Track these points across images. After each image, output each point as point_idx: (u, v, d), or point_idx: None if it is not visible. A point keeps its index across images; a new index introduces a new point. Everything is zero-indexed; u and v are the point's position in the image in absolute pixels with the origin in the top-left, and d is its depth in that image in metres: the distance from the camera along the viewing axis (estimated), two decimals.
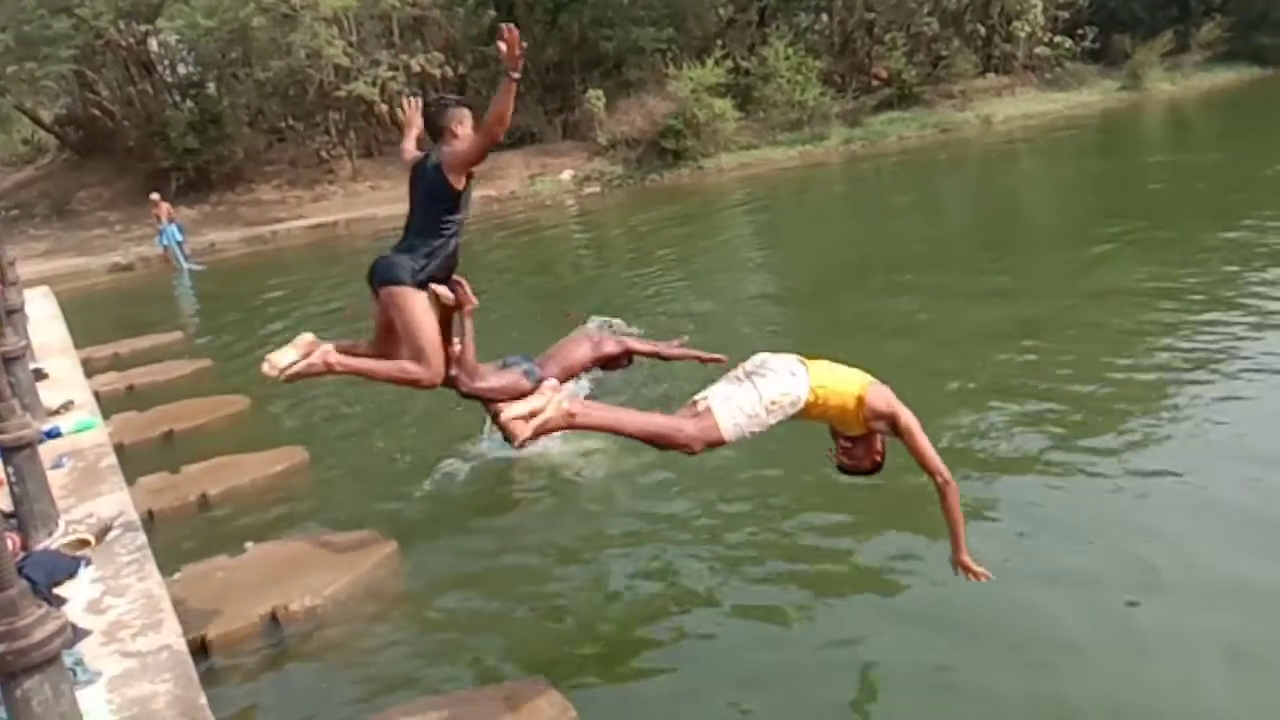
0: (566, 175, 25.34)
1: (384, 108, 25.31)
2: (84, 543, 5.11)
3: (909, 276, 11.49)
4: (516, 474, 6.89)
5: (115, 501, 5.67)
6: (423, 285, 4.51)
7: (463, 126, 4.62)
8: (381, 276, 4.55)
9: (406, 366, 4.52)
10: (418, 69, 25.00)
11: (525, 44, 4.09)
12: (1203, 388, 7.01)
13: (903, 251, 13.40)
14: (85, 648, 4.01)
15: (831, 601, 4.86)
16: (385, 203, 24.61)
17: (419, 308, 4.50)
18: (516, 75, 4.14)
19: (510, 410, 3.56)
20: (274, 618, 5.27)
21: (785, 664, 4.43)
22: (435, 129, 4.68)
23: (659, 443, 3.75)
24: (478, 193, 25.04)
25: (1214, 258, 10.46)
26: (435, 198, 4.52)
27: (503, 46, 4.08)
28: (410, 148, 5.04)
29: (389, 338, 4.65)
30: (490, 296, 14.13)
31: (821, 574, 5.11)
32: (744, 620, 4.81)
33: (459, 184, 4.51)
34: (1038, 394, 7.19)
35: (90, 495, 5.87)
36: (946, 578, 4.74)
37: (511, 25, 4.20)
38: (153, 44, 26.53)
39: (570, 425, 3.60)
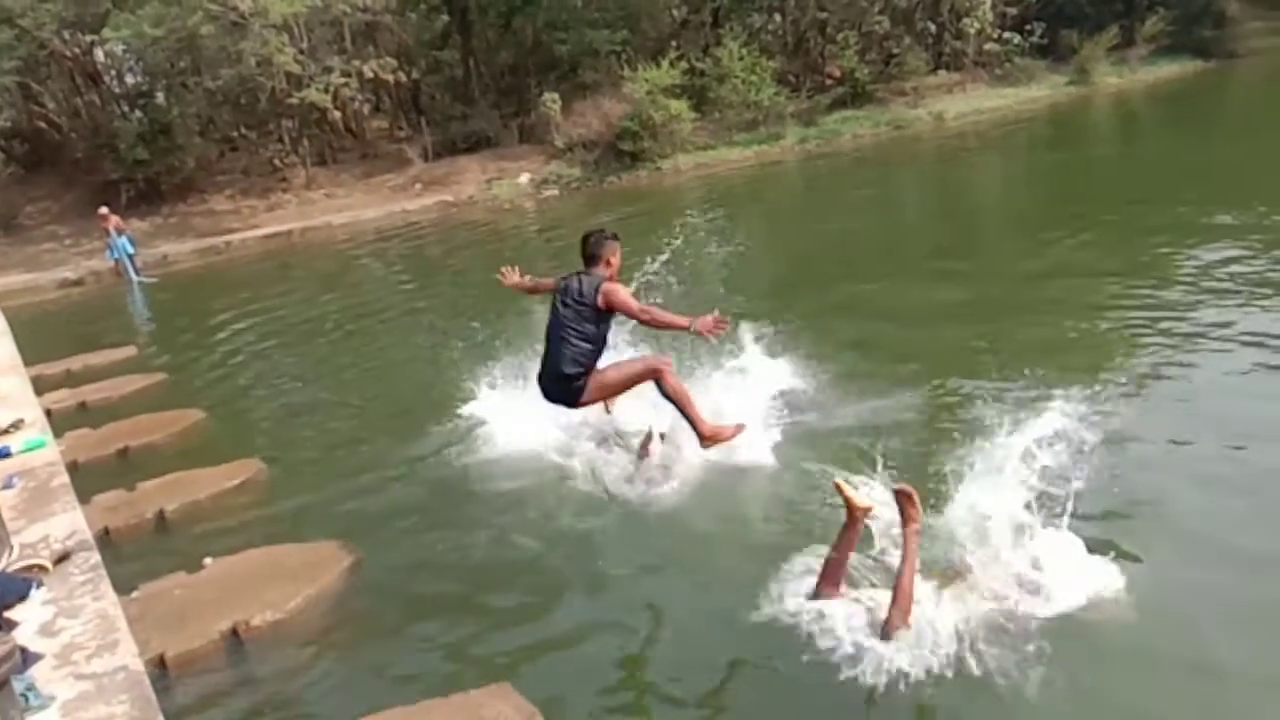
0: (524, 179, 25.25)
1: (337, 114, 25.06)
2: (41, 568, 5.02)
3: (868, 266, 11.65)
4: (478, 481, 6.85)
5: (67, 521, 5.57)
6: (587, 372, 5.44)
7: (615, 257, 5.53)
8: (568, 402, 5.61)
9: (660, 384, 5.55)
10: (370, 75, 24.77)
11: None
12: (1157, 360, 7.33)
13: (861, 243, 13.58)
14: (38, 672, 3.93)
15: (802, 614, 4.76)
16: (340, 210, 24.40)
17: (606, 385, 5.57)
18: (694, 330, 5.08)
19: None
20: (235, 634, 5.21)
21: (754, 669, 4.44)
22: (593, 257, 5.50)
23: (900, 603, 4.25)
24: (435, 198, 24.92)
25: (1158, 239, 10.88)
26: (584, 315, 5.37)
27: (709, 329, 5.03)
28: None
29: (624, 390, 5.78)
30: (452, 302, 14.11)
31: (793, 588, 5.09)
32: (712, 626, 4.81)
33: (606, 309, 5.38)
34: (1000, 369, 7.34)
35: (42, 516, 5.76)
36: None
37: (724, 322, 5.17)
38: (99, 54, 26.01)
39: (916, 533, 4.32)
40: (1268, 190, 12.80)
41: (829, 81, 30.64)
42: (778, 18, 31.71)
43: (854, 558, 4.62)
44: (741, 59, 27.24)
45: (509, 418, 7.36)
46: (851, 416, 6.89)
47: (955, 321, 8.99)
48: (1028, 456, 4.81)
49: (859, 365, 8.03)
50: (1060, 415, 4.92)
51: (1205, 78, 31.74)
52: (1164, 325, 8.09)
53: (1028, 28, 31.80)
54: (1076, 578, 4.54)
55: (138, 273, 19.48)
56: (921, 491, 4.63)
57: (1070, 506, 4.74)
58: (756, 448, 6.29)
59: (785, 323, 8.64)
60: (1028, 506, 4.74)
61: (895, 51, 31.13)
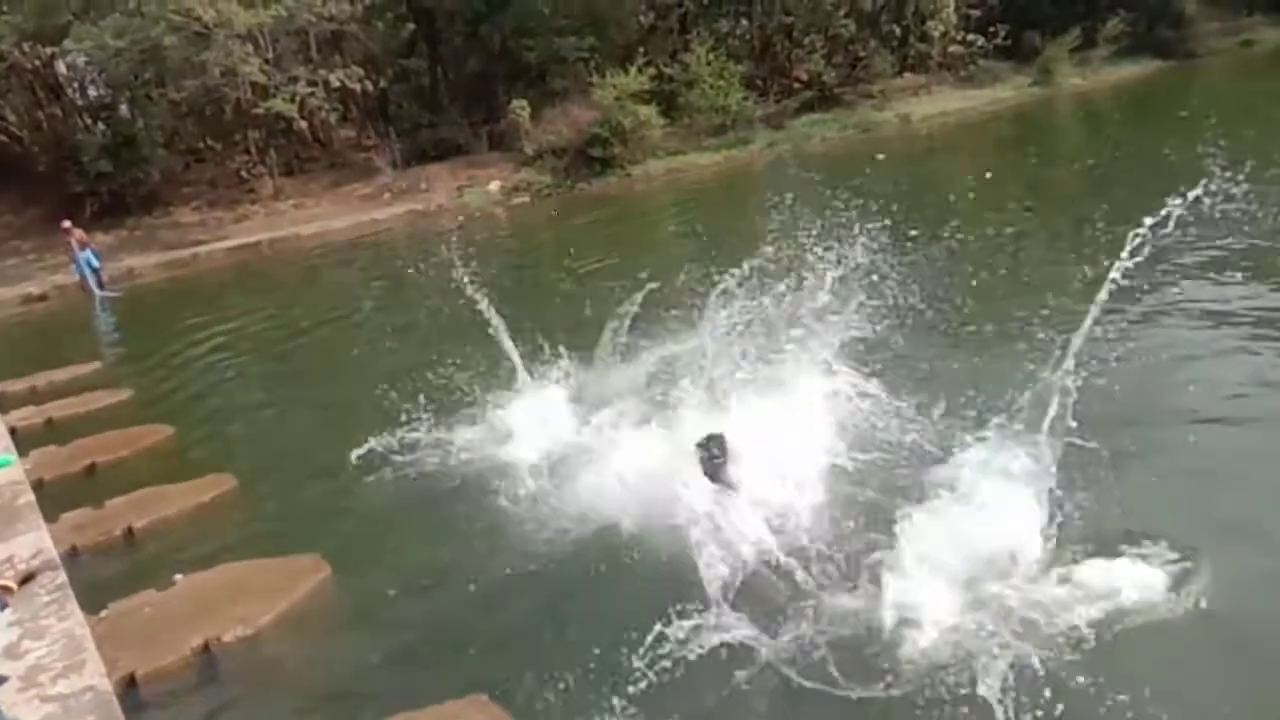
0: (494, 186, 25.18)
1: (304, 124, 24.88)
2: (5, 589, 4.95)
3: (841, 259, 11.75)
4: (450, 491, 6.82)
5: (33, 541, 5.50)
6: None
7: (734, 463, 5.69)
8: None
9: None
10: (337, 84, 24.62)
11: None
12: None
13: (831, 240, 13.69)
14: (3, 695, 3.88)
15: (786, 628, 4.76)
16: (309, 220, 24.21)
17: None
18: None
19: None
20: (207, 650, 5.15)
21: (727, 682, 4.43)
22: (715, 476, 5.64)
23: None
24: (405, 207, 24.69)
25: (1119, 228, 11.06)
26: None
27: None
28: None
29: None
30: (421, 312, 14.03)
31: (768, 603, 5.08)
32: (697, 637, 4.78)
33: None
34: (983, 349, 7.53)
35: (7, 535, 5.69)
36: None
37: None
38: (60, 66, 25.71)
39: None
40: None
41: (796, 85, 30.82)
42: (744, 23, 31.84)
43: None
44: (709, 64, 27.34)
45: (481, 427, 7.33)
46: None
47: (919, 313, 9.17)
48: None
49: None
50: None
51: (1166, 77, 32.20)
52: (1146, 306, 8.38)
53: (991, 29, 32.11)
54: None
55: (102, 287, 19.24)
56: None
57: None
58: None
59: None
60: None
61: (861, 55, 31.35)
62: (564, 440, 7.05)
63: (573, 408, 7.56)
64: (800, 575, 4.99)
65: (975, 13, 32.17)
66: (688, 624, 4.74)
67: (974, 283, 9.74)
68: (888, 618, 4.53)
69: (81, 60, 24.57)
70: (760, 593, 4.94)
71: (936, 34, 31.65)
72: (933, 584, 4.59)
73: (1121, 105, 28.54)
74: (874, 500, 5.59)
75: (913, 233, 11.97)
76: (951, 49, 32.18)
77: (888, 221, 8.82)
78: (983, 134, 25.89)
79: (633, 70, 25.49)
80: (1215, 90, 29.35)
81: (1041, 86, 31.58)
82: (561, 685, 4.56)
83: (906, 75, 32.11)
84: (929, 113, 29.45)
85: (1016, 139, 24.91)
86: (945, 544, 4.78)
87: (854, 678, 4.28)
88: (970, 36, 32.01)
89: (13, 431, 8.82)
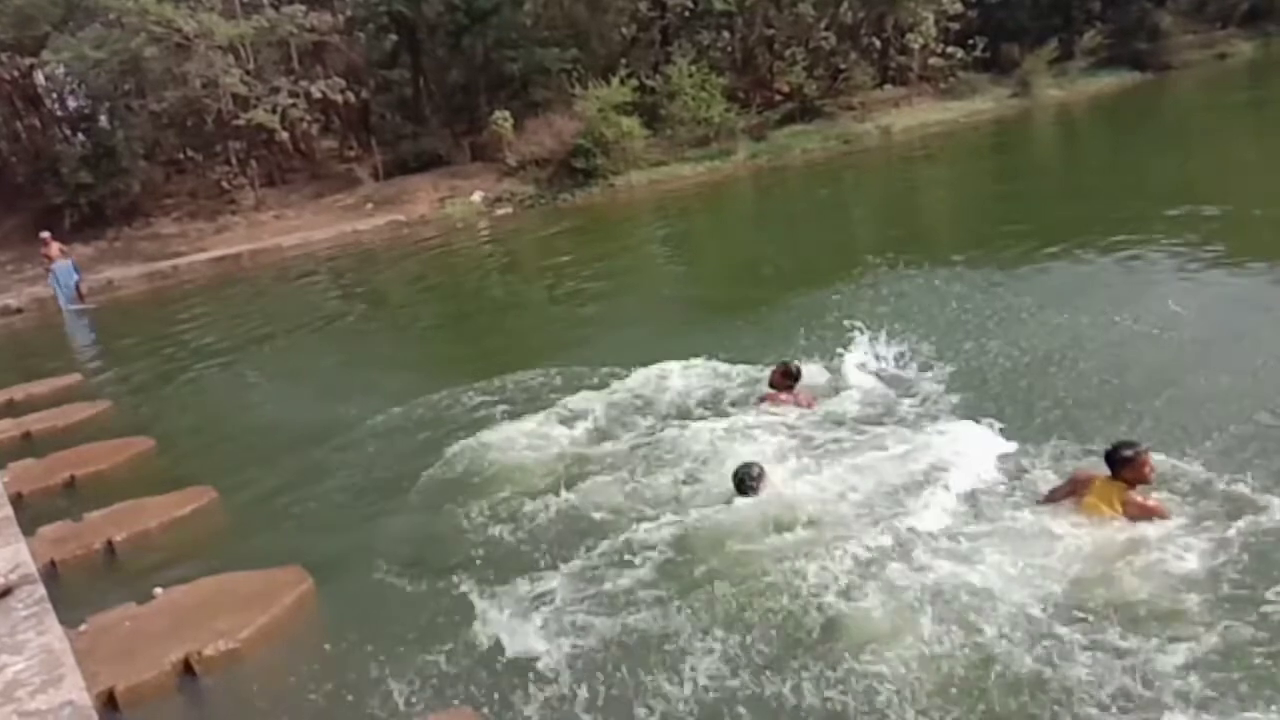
0: (477, 197, 25.17)
1: (285, 135, 24.82)
2: None
3: (823, 266, 11.89)
4: (432, 501, 6.80)
5: (10, 555, 5.45)
6: None
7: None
8: None
9: None
10: (319, 95, 24.59)
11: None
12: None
13: (813, 252, 13.83)
14: None
15: (756, 634, 4.77)
16: (290, 231, 24.13)
17: None
18: None
19: None
20: (187, 665, 5.11)
21: (715, 692, 4.43)
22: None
23: None
24: (387, 218, 24.69)
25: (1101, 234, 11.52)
26: None
27: None
28: None
29: None
30: (401, 321, 14.02)
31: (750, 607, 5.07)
32: (665, 644, 4.79)
33: None
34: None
35: None
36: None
37: None
38: (39, 77, 25.60)
39: None
40: (1208, 191, 13.45)
41: (778, 97, 30.95)
42: (726, 35, 31.97)
43: None
44: (691, 76, 27.41)
45: (463, 437, 7.33)
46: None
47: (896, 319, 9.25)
48: None
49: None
50: None
51: (1142, 89, 32.55)
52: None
53: (970, 42, 32.36)
54: None
55: (82, 299, 19.14)
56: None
57: None
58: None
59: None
60: None
61: (842, 67, 31.52)
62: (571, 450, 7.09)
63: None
64: None
65: (954, 25, 32.40)
66: (687, 636, 4.76)
67: None
68: None
69: (61, 71, 24.44)
70: None
71: (916, 46, 31.81)
72: None
73: (1098, 117, 28.86)
74: None
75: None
76: (931, 61, 32.40)
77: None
78: (962, 146, 26.09)
79: (615, 82, 25.54)
80: (1188, 101, 29.70)
81: (1020, 98, 31.85)
82: (548, 698, 4.55)
83: (887, 87, 32.30)
84: (909, 124, 29.64)
85: (998, 149, 25.15)
86: None
87: None
88: (950, 49, 32.21)
89: None
